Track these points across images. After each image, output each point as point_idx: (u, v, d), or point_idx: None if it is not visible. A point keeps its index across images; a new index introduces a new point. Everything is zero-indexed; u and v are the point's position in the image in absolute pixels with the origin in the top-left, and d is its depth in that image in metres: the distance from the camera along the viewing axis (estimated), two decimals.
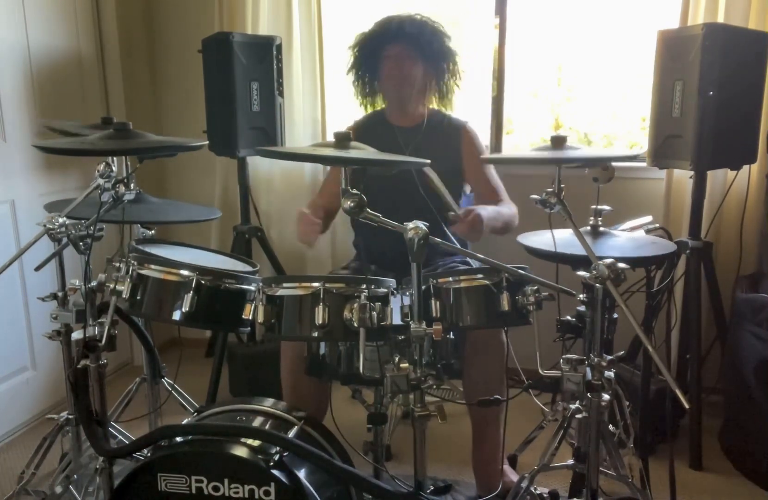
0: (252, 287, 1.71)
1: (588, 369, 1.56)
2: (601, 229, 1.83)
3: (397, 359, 1.52)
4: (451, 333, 1.88)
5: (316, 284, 1.59)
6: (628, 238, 1.85)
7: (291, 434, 1.64)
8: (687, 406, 1.35)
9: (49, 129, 2.21)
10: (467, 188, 2.56)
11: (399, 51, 2.39)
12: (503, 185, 2.53)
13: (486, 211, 2.15)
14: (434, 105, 2.55)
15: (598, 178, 1.73)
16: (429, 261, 2.26)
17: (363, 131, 2.50)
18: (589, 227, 1.83)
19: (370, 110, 2.61)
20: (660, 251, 1.76)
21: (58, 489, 1.94)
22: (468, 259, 2.35)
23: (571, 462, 1.78)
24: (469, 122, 2.54)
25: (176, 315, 1.66)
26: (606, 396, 1.59)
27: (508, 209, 2.39)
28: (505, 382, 2.07)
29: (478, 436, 2.25)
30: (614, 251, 1.69)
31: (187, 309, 1.63)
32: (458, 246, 2.00)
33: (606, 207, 1.82)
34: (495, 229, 2.25)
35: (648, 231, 1.92)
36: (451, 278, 1.68)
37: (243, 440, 1.58)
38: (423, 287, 1.56)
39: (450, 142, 2.47)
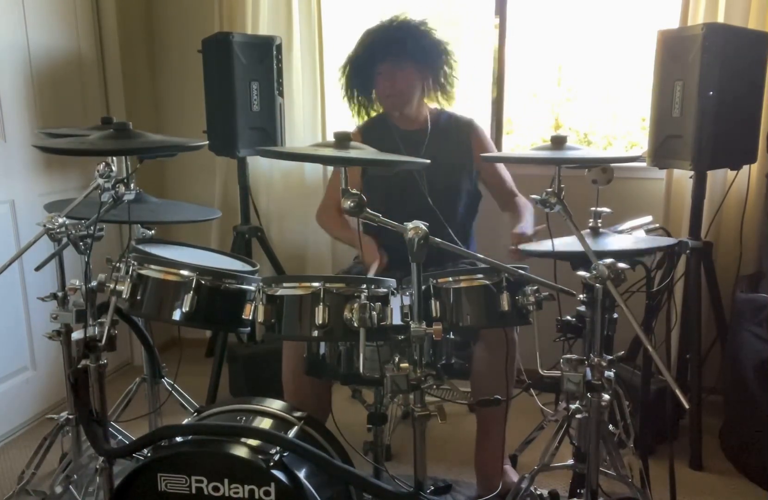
0: (252, 287, 1.71)
1: (588, 369, 1.56)
2: (601, 231, 1.83)
3: (397, 359, 1.52)
4: (452, 333, 1.88)
5: (316, 284, 1.59)
6: (628, 238, 1.85)
7: (291, 434, 1.64)
8: (687, 406, 1.35)
9: (46, 135, 2.21)
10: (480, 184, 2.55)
11: (389, 67, 2.37)
12: None
13: (529, 228, 2.22)
14: (436, 102, 2.54)
15: (598, 180, 1.73)
16: (439, 266, 2.25)
17: (369, 134, 2.49)
18: (588, 230, 1.83)
19: (362, 120, 2.59)
20: (660, 244, 1.76)
21: (58, 489, 1.94)
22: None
23: (571, 462, 1.78)
24: (474, 119, 2.56)
25: (176, 315, 1.66)
26: (606, 396, 1.59)
27: (529, 209, 2.42)
28: (513, 381, 2.07)
29: (483, 434, 2.25)
30: (614, 248, 1.70)
31: (187, 309, 1.63)
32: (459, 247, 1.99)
33: (605, 209, 1.82)
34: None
35: (648, 231, 1.92)
36: (451, 278, 1.67)
37: (243, 440, 1.57)
38: (423, 287, 1.56)
39: (460, 141, 2.48)
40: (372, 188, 2.34)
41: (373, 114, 2.56)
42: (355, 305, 1.55)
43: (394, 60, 2.37)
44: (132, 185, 1.76)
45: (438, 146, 2.44)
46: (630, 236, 1.86)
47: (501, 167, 2.55)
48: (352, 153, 1.55)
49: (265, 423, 1.71)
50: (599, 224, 1.83)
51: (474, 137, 2.51)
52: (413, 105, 2.46)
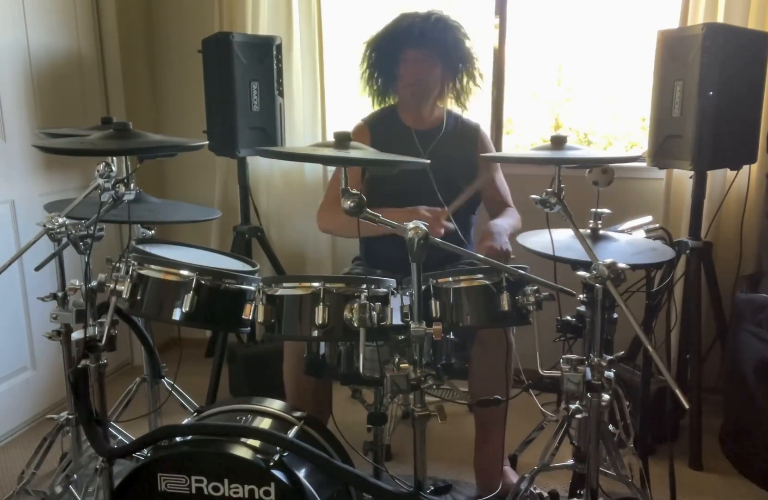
0: (252, 287, 1.71)
1: (588, 369, 1.56)
2: (601, 232, 1.83)
3: (397, 359, 1.52)
4: (451, 333, 1.88)
5: (316, 284, 1.59)
6: (628, 242, 1.84)
7: (291, 434, 1.64)
8: (687, 406, 1.35)
9: (46, 135, 2.21)
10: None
11: (417, 55, 2.33)
12: None
13: (504, 231, 2.22)
14: (448, 105, 2.53)
15: (598, 181, 1.73)
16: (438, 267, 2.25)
17: (376, 129, 2.46)
18: (588, 230, 1.83)
19: (378, 107, 2.55)
20: (658, 259, 1.75)
21: (58, 489, 1.94)
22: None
23: (571, 462, 1.78)
24: (481, 124, 2.55)
25: (176, 315, 1.66)
26: (606, 396, 1.59)
27: (514, 218, 2.43)
28: (511, 382, 2.07)
29: (482, 435, 2.25)
30: (613, 257, 1.69)
31: (187, 309, 1.63)
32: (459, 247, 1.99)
33: (606, 210, 1.82)
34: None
35: (648, 231, 1.92)
36: (451, 278, 1.68)
37: (243, 440, 1.57)
38: (423, 287, 1.56)
39: (466, 144, 2.47)
40: (378, 185, 2.34)
41: (386, 104, 2.53)
42: (355, 305, 1.55)
43: (424, 50, 2.32)
44: (132, 185, 1.76)
45: (446, 146, 2.43)
46: (629, 243, 1.85)
47: (501, 179, 2.54)
48: (352, 153, 1.54)
49: (265, 423, 1.71)
50: (599, 226, 1.83)
51: (480, 142, 2.50)
52: (429, 102, 2.44)
